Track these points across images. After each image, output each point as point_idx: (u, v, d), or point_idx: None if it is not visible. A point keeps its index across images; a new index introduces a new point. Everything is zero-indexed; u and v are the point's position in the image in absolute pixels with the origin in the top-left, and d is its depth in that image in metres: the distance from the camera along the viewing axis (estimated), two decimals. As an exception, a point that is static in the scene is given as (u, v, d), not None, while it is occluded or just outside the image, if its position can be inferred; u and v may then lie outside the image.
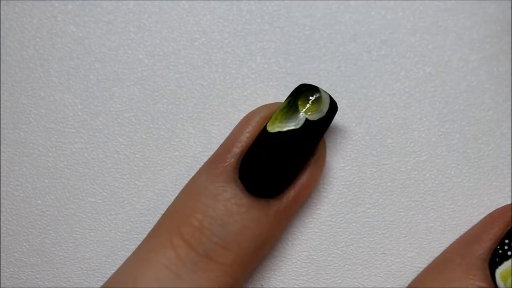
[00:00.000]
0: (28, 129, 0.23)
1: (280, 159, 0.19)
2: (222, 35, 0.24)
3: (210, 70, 0.24)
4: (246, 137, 0.20)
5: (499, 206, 0.23)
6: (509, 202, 0.23)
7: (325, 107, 0.20)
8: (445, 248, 0.22)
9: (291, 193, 0.20)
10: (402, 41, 0.23)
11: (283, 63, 0.23)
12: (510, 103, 0.23)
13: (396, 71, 0.23)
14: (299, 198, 0.20)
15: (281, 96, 0.23)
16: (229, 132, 0.22)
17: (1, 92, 0.24)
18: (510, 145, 0.23)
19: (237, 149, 0.20)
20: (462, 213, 0.23)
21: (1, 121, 0.23)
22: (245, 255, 0.19)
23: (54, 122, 0.23)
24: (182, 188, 0.21)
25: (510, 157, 0.23)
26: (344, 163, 0.23)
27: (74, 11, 0.24)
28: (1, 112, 0.23)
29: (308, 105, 0.20)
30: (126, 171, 0.23)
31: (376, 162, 0.23)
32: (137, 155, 0.23)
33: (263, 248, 0.20)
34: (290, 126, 0.20)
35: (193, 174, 0.21)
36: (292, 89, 0.21)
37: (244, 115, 0.23)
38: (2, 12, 0.24)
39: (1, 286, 0.23)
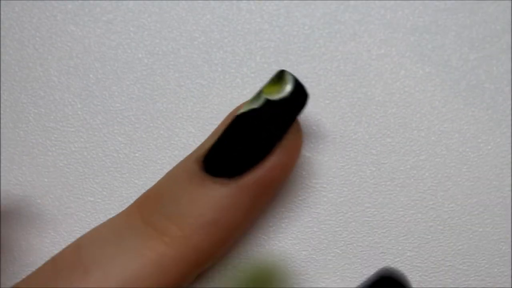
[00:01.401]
0: (27, 128, 0.23)
1: (240, 140, 0.20)
2: (222, 35, 0.24)
3: (209, 70, 0.24)
4: (220, 128, 0.20)
5: (498, 206, 0.23)
6: (509, 202, 0.23)
7: (288, 87, 0.20)
8: (443, 248, 0.22)
9: (249, 176, 0.20)
10: (402, 41, 0.23)
11: (283, 62, 0.23)
12: (509, 102, 0.23)
13: (395, 70, 0.23)
14: (260, 184, 0.20)
15: (281, 95, 0.23)
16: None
17: (1, 91, 0.24)
18: (510, 145, 0.23)
19: (211, 139, 0.20)
20: (462, 213, 0.23)
21: (1, 120, 0.23)
22: (188, 229, 0.19)
23: (53, 121, 0.23)
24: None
25: (510, 156, 0.23)
26: (344, 162, 0.23)
27: (74, 10, 0.24)
28: (1, 111, 0.23)
29: (271, 87, 0.20)
30: (125, 170, 0.23)
31: (375, 161, 0.23)
32: (136, 154, 0.23)
33: (214, 230, 0.20)
34: (251, 106, 0.20)
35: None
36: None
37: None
38: (2, 12, 0.24)
39: (1, 285, 0.23)
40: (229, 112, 0.21)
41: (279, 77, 0.20)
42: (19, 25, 0.24)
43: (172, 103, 0.23)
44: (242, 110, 0.20)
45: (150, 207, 0.20)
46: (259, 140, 0.20)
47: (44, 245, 0.23)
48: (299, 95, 0.20)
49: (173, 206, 0.19)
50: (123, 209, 0.21)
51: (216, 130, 0.21)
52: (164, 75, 0.24)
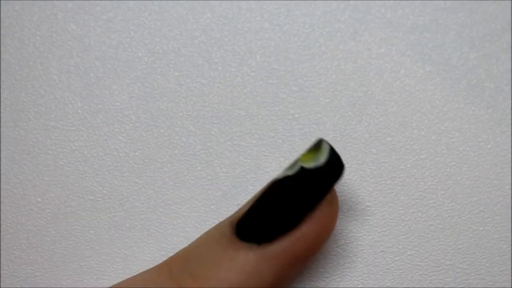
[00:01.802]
0: (28, 127, 0.23)
1: (272, 205, 0.19)
2: (222, 33, 0.24)
3: (210, 68, 0.24)
4: (258, 194, 0.20)
5: (498, 204, 0.23)
6: (509, 201, 0.23)
7: (322, 156, 0.20)
8: (444, 247, 0.22)
9: (276, 244, 0.19)
10: (402, 40, 0.23)
11: (283, 61, 0.23)
12: (510, 101, 0.23)
13: (395, 69, 0.23)
14: (286, 254, 0.19)
15: (281, 94, 0.23)
16: (229, 130, 0.22)
17: (1, 90, 0.24)
18: (510, 144, 0.23)
19: (251, 199, 0.20)
20: (462, 211, 0.23)
21: (1, 119, 0.23)
22: None
23: (54, 120, 0.23)
24: (181, 185, 0.21)
25: (510, 155, 0.23)
26: (344, 161, 0.23)
27: (74, 9, 0.24)
28: (1, 110, 0.23)
29: (307, 155, 0.20)
30: (126, 169, 0.23)
31: (375, 160, 0.23)
32: (136, 153, 0.23)
33: None
34: (286, 173, 0.19)
35: (193, 173, 0.21)
36: (292, 87, 0.21)
37: (244, 113, 0.23)
38: (2, 11, 0.24)
39: (1, 284, 0.23)
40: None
41: (317, 145, 0.20)
42: (19, 24, 0.24)
43: (172, 102, 0.23)
44: (278, 177, 0.20)
45: (179, 264, 0.20)
46: (291, 208, 0.19)
47: (44, 244, 0.23)
48: (335, 165, 0.20)
49: (200, 266, 0.19)
50: (123, 207, 0.21)
51: (256, 194, 0.20)
52: (164, 74, 0.24)
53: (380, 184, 0.23)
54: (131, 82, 0.24)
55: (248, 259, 0.19)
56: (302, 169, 0.19)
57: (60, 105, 0.23)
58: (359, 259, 0.22)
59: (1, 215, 0.23)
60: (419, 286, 0.22)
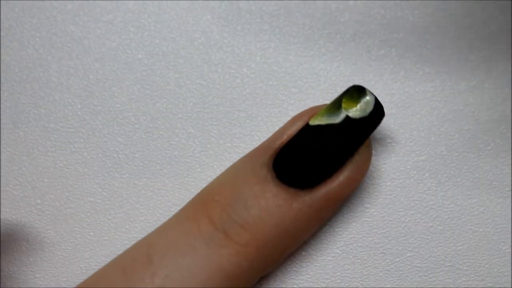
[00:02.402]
0: (27, 128, 0.23)
1: (315, 152, 0.19)
2: (222, 35, 0.24)
3: (209, 70, 0.24)
4: (290, 131, 0.20)
5: (498, 206, 0.23)
6: (509, 202, 0.23)
7: (368, 107, 0.20)
8: (443, 248, 0.22)
9: (321, 189, 0.20)
10: (402, 41, 0.23)
11: (283, 62, 0.23)
12: (509, 102, 0.23)
13: (395, 70, 0.23)
14: (330, 198, 0.20)
15: (281, 96, 0.23)
16: (228, 131, 0.22)
17: (1, 91, 0.24)
18: (510, 145, 0.23)
19: (278, 140, 0.20)
20: (461, 213, 0.23)
21: (1, 120, 0.23)
22: (262, 239, 0.19)
23: (53, 122, 0.23)
24: (181, 187, 0.21)
25: (509, 156, 0.23)
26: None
27: (74, 11, 0.24)
28: (1, 112, 0.23)
29: (351, 103, 0.20)
30: (125, 171, 0.23)
31: (375, 161, 0.23)
32: (136, 155, 0.23)
33: (284, 240, 0.20)
34: (330, 121, 0.20)
35: (192, 174, 0.21)
36: (291, 88, 0.21)
37: (243, 115, 0.23)
38: (1, 12, 0.24)
39: (1, 285, 0.23)
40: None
41: (360, 93, 0.20)
42: (19, 25, 0.24)
43: (172, 104, 0.23)
44: (319, 122, 0.20)
45: (220, 210, 0.19)
46: (334, 155, 0.20)
47: (44, 246, 0.23)
48: (378, 115, 0.20)
49: (246, 213, 0.19)
50: (123, 208, 0.21)
51: (281, 131, 0.20)
52: (164, 76, 0.24)
53: (380, 186, 0.23)
54: (131, 83, 0.24)
55: (296, 205, 0.19)
56: (348, 118, 0.20)
57: (59, 106, 0.23)
58: (359, 260, 0.22)
59: (1, 217, 0.23)
60: (419, 287, 0.22)
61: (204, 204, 0.20)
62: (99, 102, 0.23)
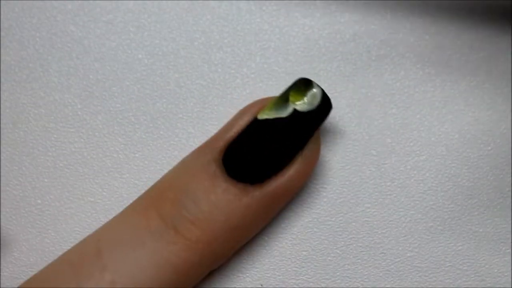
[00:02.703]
0: (27, 128, 0.23)
1: (263, 146, 0.20)
2: (222, 35, 0.24)
3: (209, 70, 0.24)
4: (239, 125, 0.20)
5: (498, 206, 0.23)
6: (509, 202, 0.23)
7: (316, 100, 0.20)
8: (444, 248, 0.22)
9: (271, 184, 0.20)
10: (402, 41, 0.23)
11: (283, 63, 0.23)
12: (509, 103, 0.23)
13: (395, 71, 0.23)
14: (280, 192, 0.20)
15: (281, 95, 0.23)
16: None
17: (1, 91, 0.24)
18: (510, 145, 0.23)
19: (228, 135, 0.20)
20: (462, 213, 0.23)
21: (1, 120, 0.23)
22: (212, 235, 0.19)
23: (53, 122, 0.23)
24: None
25: (510, 157, 0.23)
26: (344, 162, 0.23)
27: (74, 10, 0.24)
28: (1, 112, 0.23)
29: (298, 96, 0.20)
30: (125, 171, 0.23)
31: (375, 162, 0.23)
32: (136, 155, 0.23)
33: (234, 235, 0.20)
34: (278, 114, 0.20)
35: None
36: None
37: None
38: (2, 12, 0.24)
39: (1, 286, 0.23)
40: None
41: (307, 86, 0.20)
42: (19, 25, 0.24)
43: (172, 104, 0.23)
44: (267, 116, 0.20)
45: (169, 205, 0.19)
46: (283, 149, 0.20)
47: (44, 246, 0.23)
48: (326, 106, 0.20)
49: (196, 209, 0.19)
50: (123, 208, 0.20)
51: (229, 125, 0.20)
52: (164, 76, 0.24)
53: (380, 186, 0.23)
54: (131, 83, 0.24)
55: (246, 201, 0.20)
56: (296, 111, 0.20)
57: (59, 106, 0.23)
58: (359, 260, 0.22)
59: (1, 217, 0.23)
60: (419, 287, 0.22)
61: (154, 199, 0.20)
62: (99, 102, 0.23)
